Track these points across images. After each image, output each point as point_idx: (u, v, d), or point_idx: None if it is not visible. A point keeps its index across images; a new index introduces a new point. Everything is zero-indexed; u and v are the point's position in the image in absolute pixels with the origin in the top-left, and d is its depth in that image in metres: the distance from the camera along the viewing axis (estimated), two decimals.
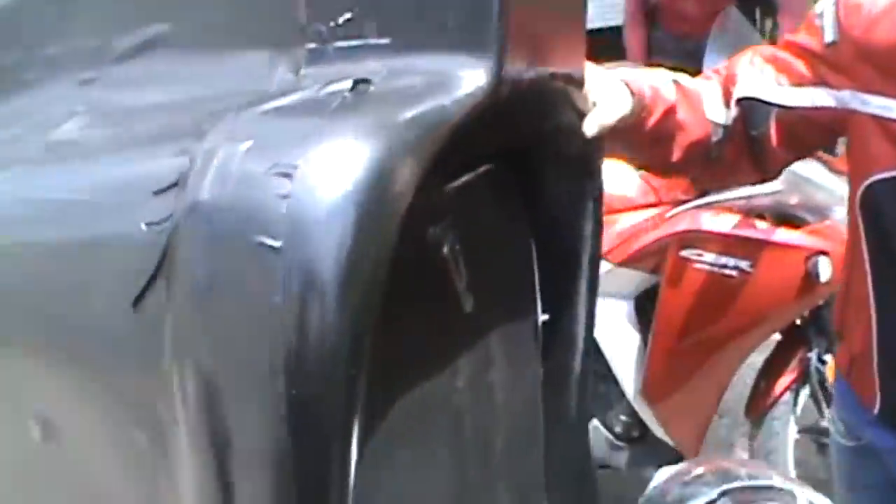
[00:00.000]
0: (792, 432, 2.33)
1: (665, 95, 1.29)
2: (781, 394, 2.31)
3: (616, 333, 2.28)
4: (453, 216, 1.06)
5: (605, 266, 2.26)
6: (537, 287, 1.30)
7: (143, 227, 0.80)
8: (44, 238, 0.90)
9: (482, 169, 1.15)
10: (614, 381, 2.29)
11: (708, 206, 2.20)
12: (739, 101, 1.33)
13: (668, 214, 2.22)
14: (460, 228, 1.07)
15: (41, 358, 0.91)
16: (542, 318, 1.31)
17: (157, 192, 0.80)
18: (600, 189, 1.27)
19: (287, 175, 0.76)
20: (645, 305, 2.28)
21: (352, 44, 0.90)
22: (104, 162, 0.92)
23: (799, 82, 1.31)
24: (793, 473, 2.22)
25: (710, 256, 2.17)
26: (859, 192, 1.30)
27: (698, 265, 2.17)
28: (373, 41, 0.90)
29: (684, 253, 2.18)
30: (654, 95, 1.28)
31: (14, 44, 1.04)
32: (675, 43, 3.12)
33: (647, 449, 2.35)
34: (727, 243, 2.17)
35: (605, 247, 2.26)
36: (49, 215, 0.90)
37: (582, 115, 1.15)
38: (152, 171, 0.82)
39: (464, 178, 1.09)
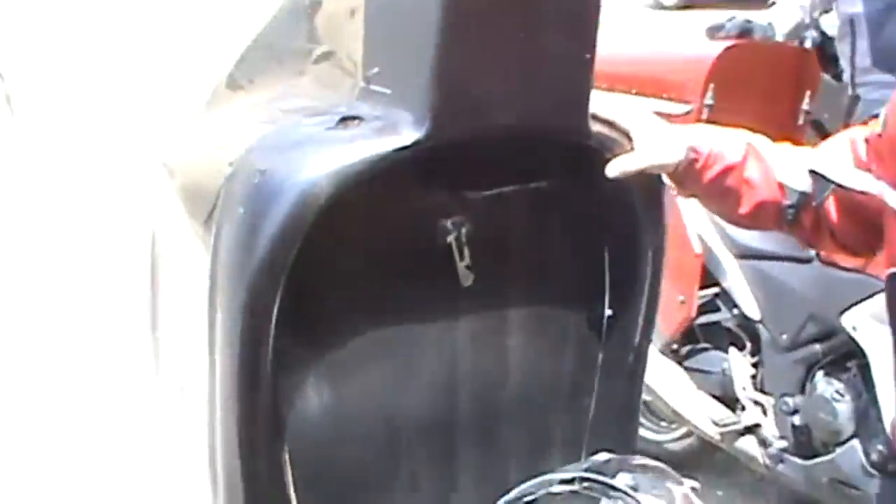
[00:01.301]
0: None
1: (730, 153, 1.44)
2: None
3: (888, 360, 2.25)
4: (470, 216, 1.45)
5: None
6: (605, 283, 1.60)
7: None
8: None
9: (530, 185, 1.50)
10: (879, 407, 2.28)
11: None
12: (811, 172, 1.43)
13: None
14: (477, 226, 1.45)
15: None
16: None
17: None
18: (660, 206, 1.52)
19: (262, 171, 1.28)
20: None
21: (376, 89, 1.36)
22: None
23: (858, 165, 1.38)
24: None
25: None
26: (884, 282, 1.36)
27: None
28: (384, 90, 1.34)
29: None
30: (716, 151, 1.44)
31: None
32: None
33: None
34: None
35: None
36: None
37: (605, 158, 1.42)
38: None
39: (491, 191, 1.47)
